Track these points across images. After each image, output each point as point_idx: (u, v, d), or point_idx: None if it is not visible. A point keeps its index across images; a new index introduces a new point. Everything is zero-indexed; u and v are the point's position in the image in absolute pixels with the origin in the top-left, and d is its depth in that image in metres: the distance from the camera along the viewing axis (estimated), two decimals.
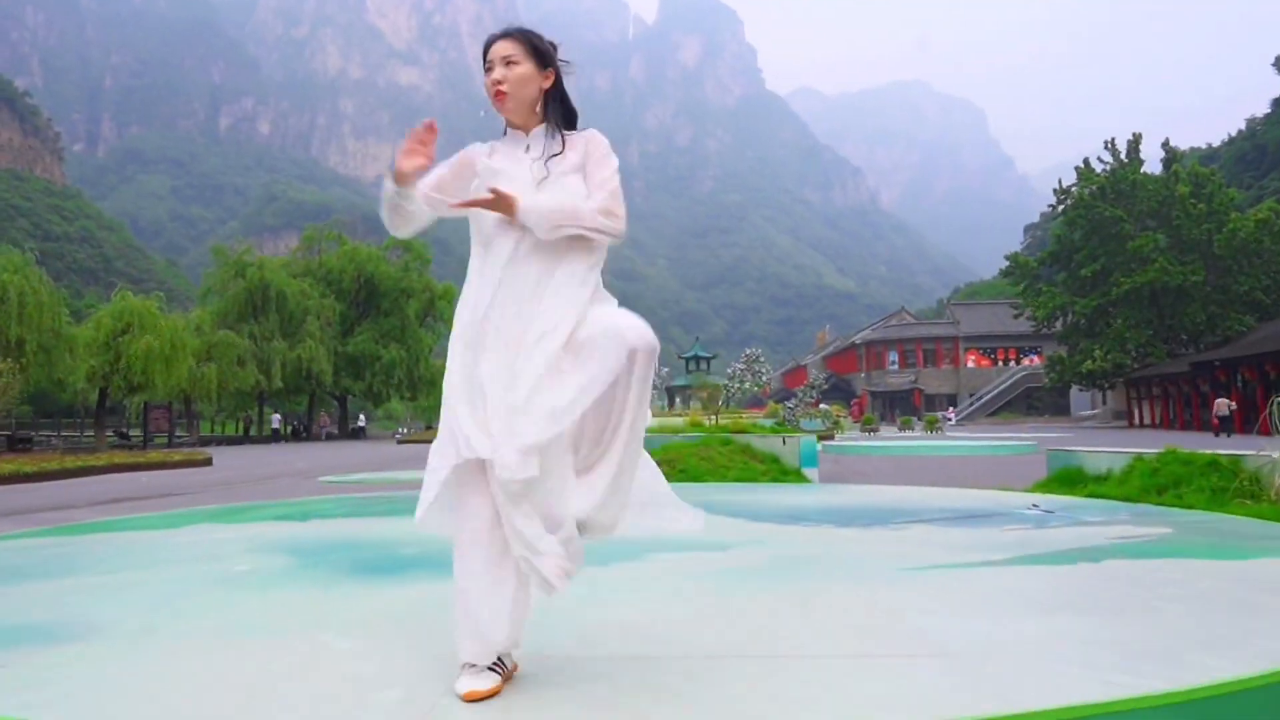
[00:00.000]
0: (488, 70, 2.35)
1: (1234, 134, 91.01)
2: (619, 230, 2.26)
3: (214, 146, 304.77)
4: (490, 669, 2.13)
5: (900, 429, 45.59)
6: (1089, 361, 47.49)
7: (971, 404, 70.54)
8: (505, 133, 2.42)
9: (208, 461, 20.85)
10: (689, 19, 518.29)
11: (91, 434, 37.95)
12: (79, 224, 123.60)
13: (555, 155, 2.31)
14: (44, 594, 3.69)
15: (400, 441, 42.00)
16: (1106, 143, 51.44)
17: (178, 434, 41.50)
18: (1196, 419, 37.89)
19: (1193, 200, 45.92)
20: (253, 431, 50.42)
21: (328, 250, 54.25)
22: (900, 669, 2.33)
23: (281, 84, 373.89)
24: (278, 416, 50.32)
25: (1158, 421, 43.95)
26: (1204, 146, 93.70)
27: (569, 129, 2.40)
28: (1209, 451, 6.92)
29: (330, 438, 49.26)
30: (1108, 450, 8.10)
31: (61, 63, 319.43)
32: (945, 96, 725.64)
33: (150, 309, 33.56)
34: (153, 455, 22.24)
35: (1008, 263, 54.48)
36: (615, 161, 2.34)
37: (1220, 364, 36.43)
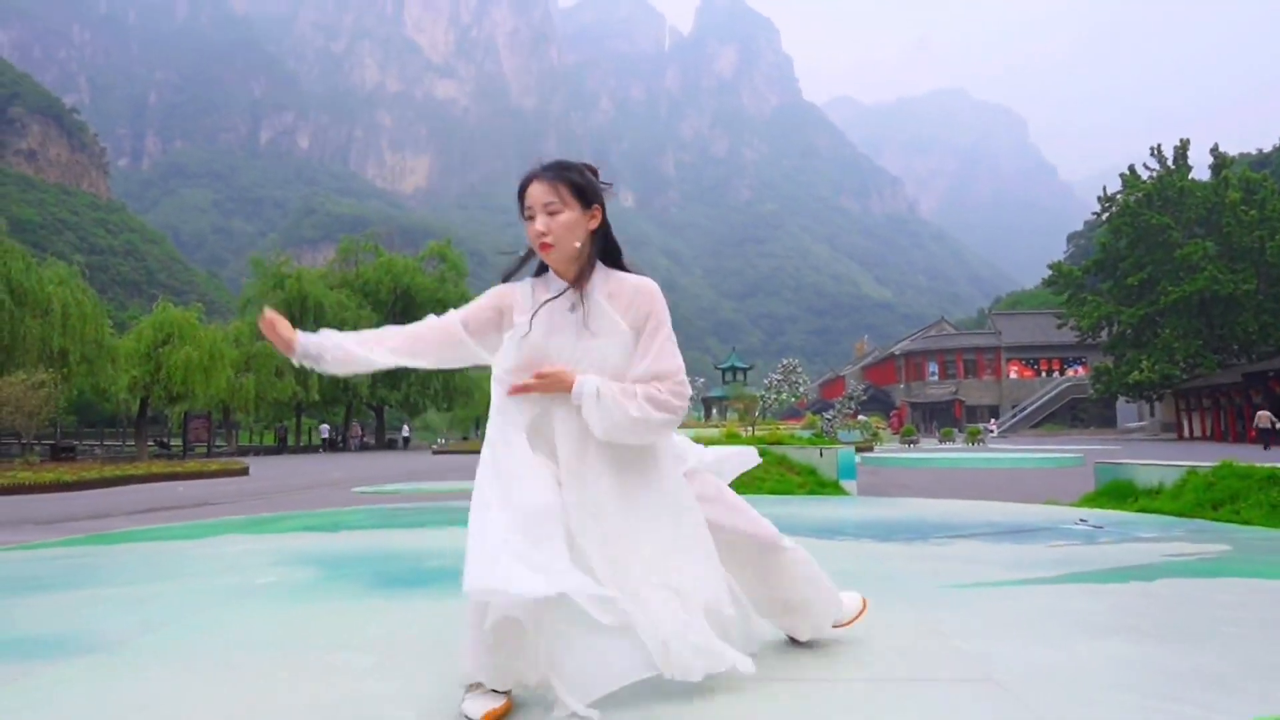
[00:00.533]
0: (528, 218, 2.20)
1: None
2: (680, 403, 2.14)
3: (254, 160, 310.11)
4: (496, 691, 2.03)
5: (940, 441, 45.03)
6: (1136, 372, 46.57)
7: (1014, 415, 69.59)
8: (542, 269, 2.30)
9: (244, 471, 21.01)
10: (725, 29, 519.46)
11: (133, 443, 38.49)
12: (123, 237, 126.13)
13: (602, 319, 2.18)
14: (61, 605, 3.63)
15: (436, 452, 42.28)
16: (1153, 149, 50.50)
17: (216, 444, 41.99)
18: (1250, 431, 37.03)
19: (1244, 207, 44.95)
20: (289, 441, 50.90)
21: (364, 262, 54.78)
22: (944, 696, 2.17)
23: (320, 98, 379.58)
24: (326, 427, 50.74)
25: (1208, 434, 42.92)
26: (1254, 152, 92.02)
27: (612, 264, 2.27)
28: (1268, 465, 6.63)
29: (364, 448, 49.49)
30: (1159, 463, 7.80)
31: (107, 80, 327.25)
32: (983, 104, 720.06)
33: (190, 320, 33.96)
34: (190, 465, 22.45)
35: (1050, 272, 53.72)
36: (667, 324, 2.20)
37: (1275, 374, 35.54)
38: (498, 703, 2.00)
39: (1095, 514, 6.42)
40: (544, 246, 2.17)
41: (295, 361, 2.25)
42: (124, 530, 7.09)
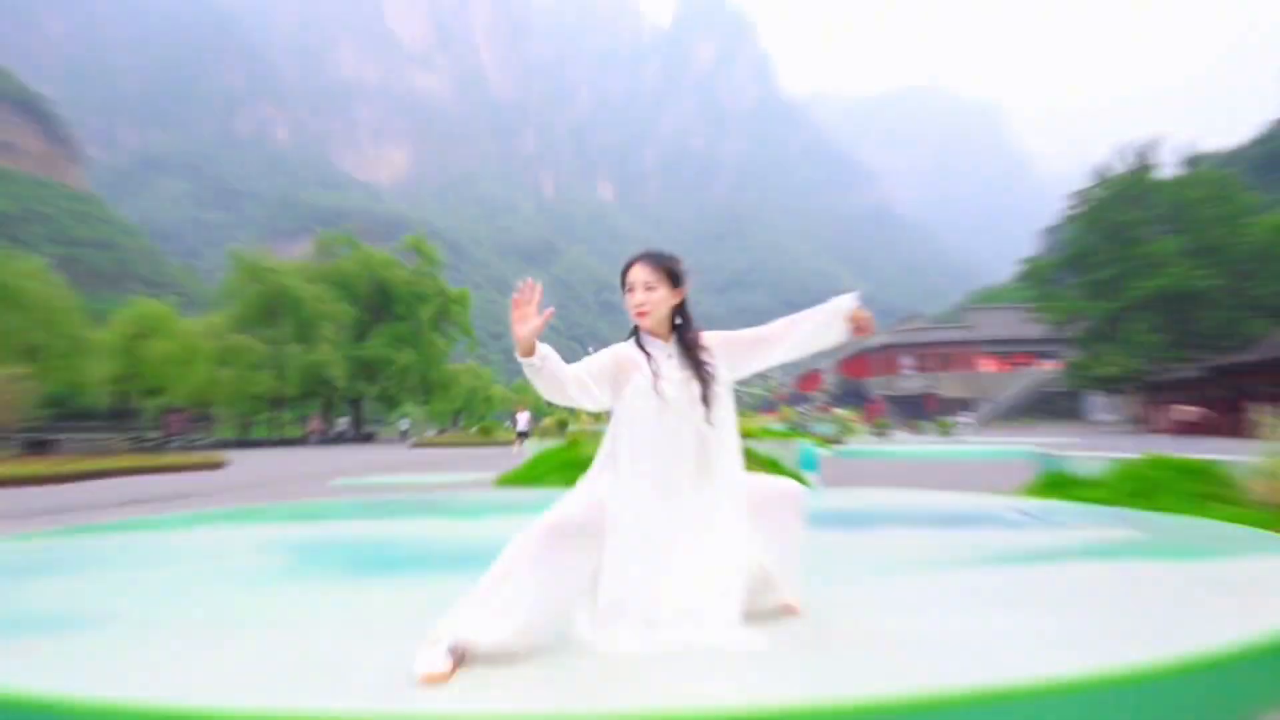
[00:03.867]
0: (629, 291, 2.77)
1: (1255, 136, 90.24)
2: None
3: (231, 152, 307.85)
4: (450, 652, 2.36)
5: (912, 434, 45.67)
6: (1104, 366, 47.35)
7: (988, 409, 70.43)
8: (636, 333, 2.83)
9: (223, 464, 21.22)
10: (704, 24, 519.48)
11: (109, 436, 38.46)
12: (99, 229, 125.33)
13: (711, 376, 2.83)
14: (60, 589, 3.91)
15: (414, 445, 42.42)
16: (1122, 146, 51.30)
17: (193, 437, 41.98)
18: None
19: (1209, 204, 45.75)
20: (264, 434, 50.81)
21: (342, 255, 54.80)
22: (811, 656, 2.52)
23: (299, 90, 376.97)
24: (344, 420, 50.33)
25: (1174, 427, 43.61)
26: (1224, 150, 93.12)
27: (688, 327, 2.86)
28: (1186, 457, 7.07)
29: (324, 441, 48.55)
30: (1093, 455, 8.22)
31: (82, 69, 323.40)
32: (960, 100, 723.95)
33: (167, 313, 34.06)
34: (170, 458, 22.63)
35: (1023, 266, 54.48)
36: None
37: (1234, 369, 36.31)
38: (445, 666, 2.34)
39: (1030, 503, 6.83)
40: (641, 314, 2.76)
41: (522, 364, 2.53)
42: (108, 522, 7.37)
